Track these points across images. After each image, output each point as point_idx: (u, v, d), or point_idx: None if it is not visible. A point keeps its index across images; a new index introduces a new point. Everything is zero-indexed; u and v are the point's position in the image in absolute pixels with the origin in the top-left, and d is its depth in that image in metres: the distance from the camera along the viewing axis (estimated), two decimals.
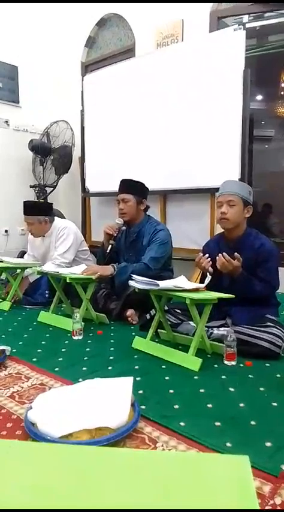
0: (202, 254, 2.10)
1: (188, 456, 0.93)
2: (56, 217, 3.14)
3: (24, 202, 3.07)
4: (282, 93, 5.87)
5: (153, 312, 2.19)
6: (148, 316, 2.24)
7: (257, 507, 0.56)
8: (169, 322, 2.14)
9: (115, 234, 2.67)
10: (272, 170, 5.92)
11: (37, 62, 4.80)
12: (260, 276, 2.05)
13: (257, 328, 1.91)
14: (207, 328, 2.00)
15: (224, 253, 1.97)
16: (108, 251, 2.66)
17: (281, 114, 6.07)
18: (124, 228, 2.74)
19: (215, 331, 2.02)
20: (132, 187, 2.68)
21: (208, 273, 2.01)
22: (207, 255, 2.07)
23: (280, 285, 2.14)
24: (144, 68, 3.63)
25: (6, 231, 4.60)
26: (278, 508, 0.94)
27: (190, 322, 2.08)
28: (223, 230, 2.22)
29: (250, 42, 4.35)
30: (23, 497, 0.61)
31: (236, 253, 1.96)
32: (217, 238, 2.32)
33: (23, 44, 4.64)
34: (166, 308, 2.15)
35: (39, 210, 3.02)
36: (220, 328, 2.02)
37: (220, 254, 1.98)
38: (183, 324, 2.14)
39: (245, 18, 4.12)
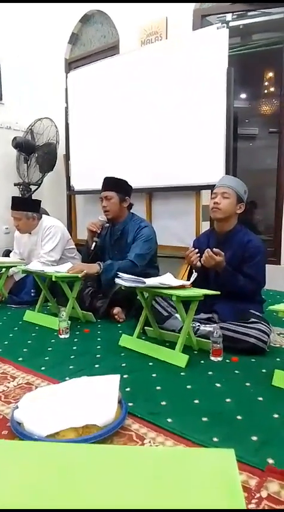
0: (192, 248, 2.12)
1: (175, 451, 0.93)
2: (43, 215, 3.12)
3: (13, 197, 3.04)
4: (266, 91, 5.94)
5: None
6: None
7: (243, 499, 0.57)
8: (159, 312, 2.16)
9: (99, 231, 2.67)
10: (257, 168, 5.98)
11: (20, 58, 4.72)
12: (246, 272, 2.07)
13: (244, 325, 1.93)
14: (194, 323, 2.02)
15: (208, 250, 2.00)
16: (92, 248, 2.66)
17: (265, 112, 6.13)
18: (107, 225, 2.74)
19: (202, 327, 2.03)
20: (115, 184, 2.68)
21: (194, 271, 2.03)
22: (197, 250, 2.10)
23: (266, 282, 2.17)
24: (128, 66, 3.62)
25: None
26: (264, 501, 0.96)
27: (177, 315, 2.09)
28: (213, 226, 2.25)
29: (234, 41, 4.38)
30: (11, 496, 0.60)
31: (216, 249, 2.00)
32: (208, 232, 2.37)
33: (5, 40, 4.56)
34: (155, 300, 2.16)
35: (27, 206, 2.99)
36: (207, 325, 2.03)
37: (205, 250, 2.01)
38: (170, 319, 2.14)
39: (229, 16, 4.14)
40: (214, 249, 2.00)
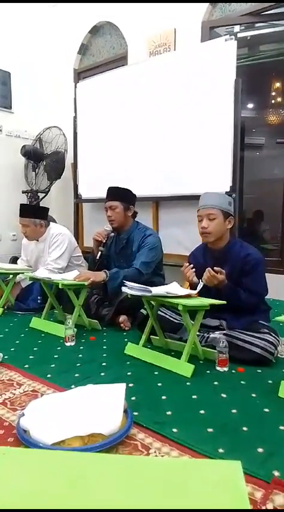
0: (187, 264, 2.10)
1: (182, 462, 0.93)
2: (51, 223, 3.14)
3: (21, 204, 3.08)
4: (273, 101, 5.97)
5: (144, 312, 2.20)
6: (145, 312, 2.22)
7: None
8: (172, 319, 2.16)
9: (104, 240, 2.69)
10: (263, 177, 5.99)
11: (30, 68, 4.81)
12: (247, 286, 2.05)
13: (252, 334, 1.92)
14: (200, 332, 2.02)
15: (209, 269, 1.98)
16: (97, 257, 2.67)
17: (272, 122, 6.16)
18: (113, 234, 2.76)
19: (212, 335, 2.02)
20: (118, 194, 2.70)
21: (200, 280, 2.02)
22: (192, 265, 2.08)
23: (269, 291, 2.16)
24: (136, 76, 3.66)
25: None
26: None
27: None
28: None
29: (242, 52, 4.42)
30: (18, 503, 0.61)
31: (217, 268, 1.97)
32: (202, 248, 2.31)
33: (16, 50, 4.65)
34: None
35: (35, 213, 3.02)
36: (216, 332, 2.03)
37: (206, 269, 1.99)
38: (183, 328, 2.13)
39: (237, 27, 4.18)
40: (215, 267, 1.97)
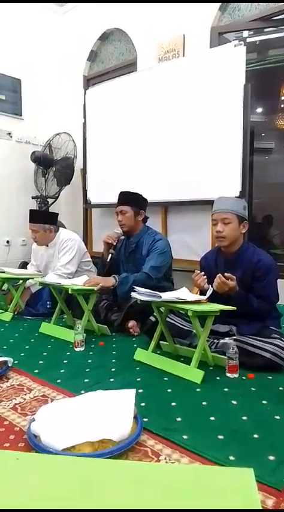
0: (198, 271, 2.09)
1: (193, 469, 0.93)
2: (60, 228, 3.17)
3: (31, 210, 3.11)
4: (282, 106, 5.95)
5: (152, 319, 2.20)
6: (153, 319, 2.22)
7: None
8: (181, 326, 2.15)
9: (115, 243, 2.69)
10: (273, 182, 5.96)
11: (40, 75, 4.86)
12: (258, 292, 2.04)
13: (262, 339, 1.91)
14: (210, 339, 2.01)
15: (219, 275, 1.97)
16: (107, 260, 2.68)
17: (281, 126, 6.13)
18: (123, 237, 2.77)
19: (222, 340, 2.01)
20: (129, 198, 2.71)
21: (210, 286, 2.01)
22: (203, 273, 2.07)
23: (280, 296, 2.14)
24: (145, 82, 3.68)
25: (7, 242, 4.62)
26: None
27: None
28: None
29: (251, 56, 4.41)
30: (30, 507, 0.61)
31: (227, 274, 1.96)
32: (215, 252, 2.30)
33: (26, 57, 4.71)
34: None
35: (45, 219, 3.05)
36: (226, 338, 2.02)
37: (217, 276, 1.98)
38: (192, 334, 2.12)
39: (246, 33, 4.19)
40: (225, 274, 1.96)
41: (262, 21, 3.49)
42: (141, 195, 2.76)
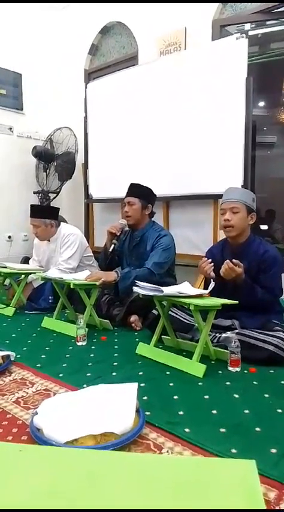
0: (205, 259, 2.10)
1: (196, 461, 0.93)
2: (62, 223, 3.16)
3: (31, 205, 3.11)
4: None
5: (155, 313, 2.21)
6: (155, 313, 2.23)
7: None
8: (183, 320, 2.15)
9: (118, 234, 2.69)
10: (275, 176, 5.95)
11: (41, 69, 4.84)
12: (262, 283, 2.05)
13: (264, 332, 1.92)
14: (212, 333, 2.01)
15: (227, 261, 1.97)
16: (110, 250, 2.68)
17: (283, 120, 6.10)
18: (127, 229, 2.77)
19: (224, 334, 2.02)
20: (139, 191, 2.71)
21: (211, 280, 2.01)
22: (210, 260, 2.07)
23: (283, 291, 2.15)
24: (147, 76, 3.66)
25: (9, 237, 4.62)
26: None
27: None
28: (226, 238, 2.22)
29: (252, 50, 4.39)
30: (34, 499, 0.61)
31: (235, 260, 1.97)
32: (221, 244, 2.32)
33: (26, 51, 4.68)
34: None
35: (45, 213, 3.05)
36: (228, 332, 2.02)
37: (225, 262, 1.98)
38: (194, 328, 2.13)
39: (247, 25, 4.15)
40: (233, 260, 1.97)
41: (264, 14, 3.46)
42: (150, 189, 2.75)
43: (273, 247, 2.15)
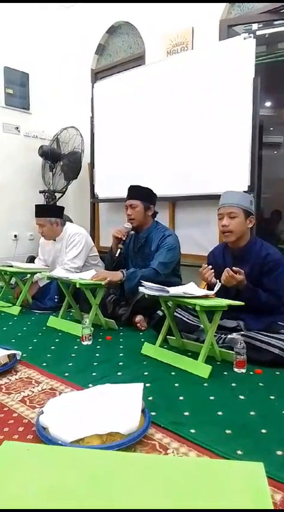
0: (206, 265, 2.08)
1: (203, 462, 0.93)
2: (67, 222, 3.17)
3: (36, 205, 3.12)
4: None
5: (160, 313, 2.21)
6: (161, 313, 2.22)
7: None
8: (188, 321, 2.15)
9: (124, 238, 2.69)
10: (282, 176, 5.92)
11: (48, 69, 4.86)
12: (266, 286, 2.03)
13: (270, 335, 1.91)
14: (217, 334, 2.00)
15: (228, 269, 1.96)
16: (116, 255, 2.68)
17: None
18: (132, 232, 2.77)
19: (229, 335, 2.01)
20: (139, 193, 2.71)
21: (217, 281, 2.00)
22: (211, 266, 2.06)
23: None
24: (153, 76, 3.66)
25: (15, 236, 4.64)
26: None
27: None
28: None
29: (260, 49, 4.36)
30: (40, 497, 0.61)
31: (235, 268, 1.95)
32: (222, 247, 2.30)
33: (33, 51, 4.70)
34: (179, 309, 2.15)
35: (50, 212, 3.06)
36: (233, 333, 2.01)
37: (225, 269, 1.97)
38: (199, 329, 2.12)
39: (255, 25, 4.13)
40: (233, 267, 1.95)
41: (272, 14, 3.44)
42: (151, 190, 2.75)
43: (275, 250, 2.12)
